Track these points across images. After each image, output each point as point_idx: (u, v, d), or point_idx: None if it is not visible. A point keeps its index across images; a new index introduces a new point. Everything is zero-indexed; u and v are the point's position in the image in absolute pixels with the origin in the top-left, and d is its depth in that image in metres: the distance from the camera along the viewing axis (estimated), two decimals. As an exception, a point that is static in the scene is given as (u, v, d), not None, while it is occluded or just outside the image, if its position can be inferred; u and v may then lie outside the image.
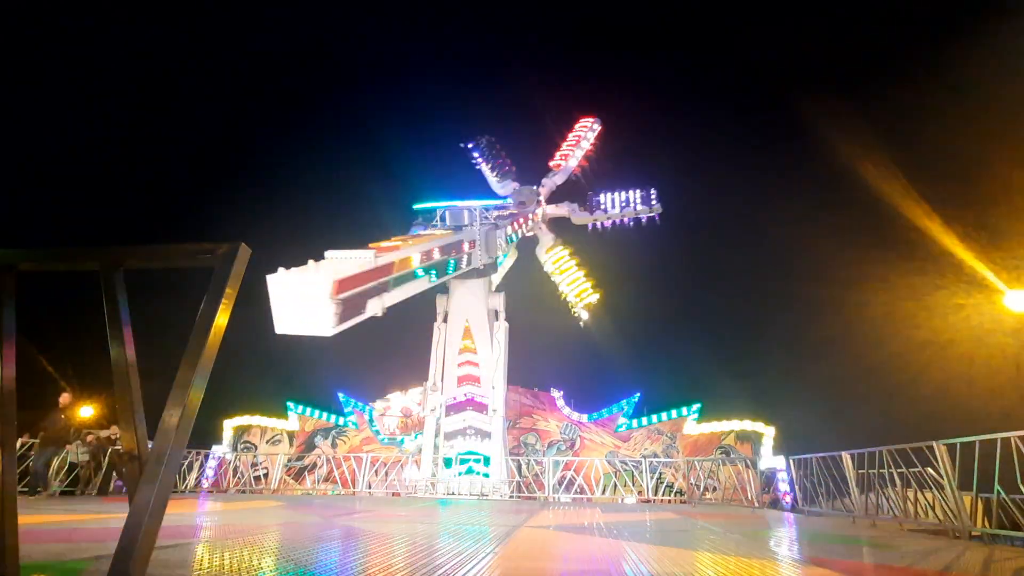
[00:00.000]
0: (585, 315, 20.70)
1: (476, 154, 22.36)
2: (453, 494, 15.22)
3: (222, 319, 1.78)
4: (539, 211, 21.16)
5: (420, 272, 12.76)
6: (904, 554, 5.29)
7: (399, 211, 20.62)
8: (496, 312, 17.81)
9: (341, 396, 21.34)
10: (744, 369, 29.62)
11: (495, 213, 18.56)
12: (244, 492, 17.25)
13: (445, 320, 17.61)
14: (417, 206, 18.88)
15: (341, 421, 20.98)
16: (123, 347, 1.85)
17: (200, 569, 3.31)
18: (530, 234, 21.27)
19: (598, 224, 21.81)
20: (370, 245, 11.69)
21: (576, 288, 20.54)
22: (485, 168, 22.13)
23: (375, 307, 10.98)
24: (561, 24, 51.61)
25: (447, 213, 17.24)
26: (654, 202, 21.10)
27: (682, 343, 32.98)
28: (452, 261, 14.68)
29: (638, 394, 20.30)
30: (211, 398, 1.83)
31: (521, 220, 19.54)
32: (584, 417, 20.52)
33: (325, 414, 21.08)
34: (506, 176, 21.91)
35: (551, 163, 23.42)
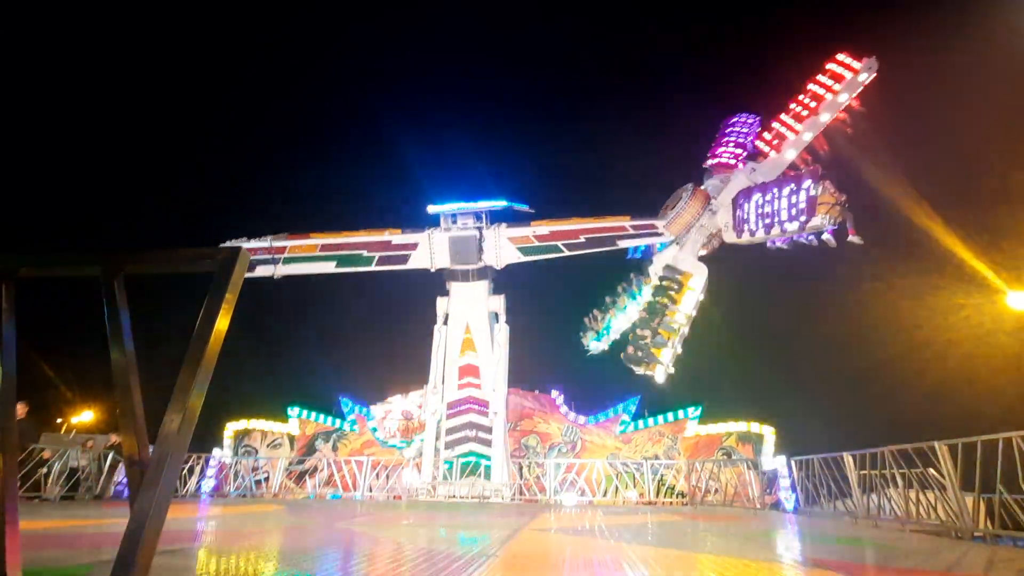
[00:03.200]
0: (657, 377, 16.26)
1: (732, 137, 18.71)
2: (454, 497, 15.19)
3: (222, 323, 1.78)
4: (667, 222, 16.53)
5: (328, 258, 17.16)
6: (906, 555, 5.28)
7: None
8: (496, 314, 17.79)
9: (342, 400, 21.31)
10: (745, 370, 29.53)
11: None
12: (245, 496, 17.22)
13: (446, 322, 17.59)
14: (431, 207, 18.31)
15: (342, 425, 20.95)
16: (124, 352, 1.85)
17: (201, 574, 3.31)
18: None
19: (766, 243, 15.24)
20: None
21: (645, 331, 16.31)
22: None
23: (264, 271, 16.79)
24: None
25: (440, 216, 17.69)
26: (805, 215, 13.03)
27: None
28: (369, 256, 17.28)
29: (639, 396, 20.25)
30: (211, 402, 1.83)
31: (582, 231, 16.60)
32: (585, 419, 20.46)
33: (326, 418, 21.04)
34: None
35: (757, 141, 16.40)
